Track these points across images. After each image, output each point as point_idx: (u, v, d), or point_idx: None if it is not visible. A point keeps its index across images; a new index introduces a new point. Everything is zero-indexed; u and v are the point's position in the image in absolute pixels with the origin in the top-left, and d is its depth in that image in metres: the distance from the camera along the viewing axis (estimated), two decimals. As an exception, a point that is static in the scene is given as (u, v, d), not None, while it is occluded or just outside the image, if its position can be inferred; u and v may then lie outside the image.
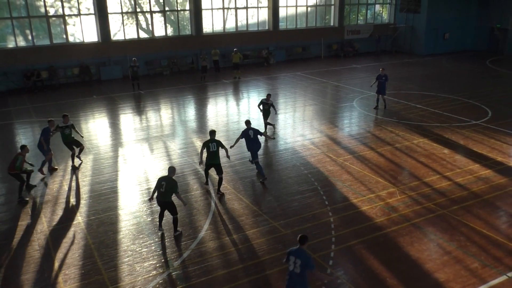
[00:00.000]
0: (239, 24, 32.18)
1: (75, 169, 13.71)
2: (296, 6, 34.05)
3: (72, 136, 13.94)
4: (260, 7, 32.71)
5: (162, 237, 9.90)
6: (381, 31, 36.88)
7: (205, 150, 11.73)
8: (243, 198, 11.69)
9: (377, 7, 38.36)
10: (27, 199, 11.80)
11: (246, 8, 32.04)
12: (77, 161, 14.11)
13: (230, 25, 32.04)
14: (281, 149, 15.37)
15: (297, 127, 17.79)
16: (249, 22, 32.50)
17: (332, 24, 36.06)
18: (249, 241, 9.71)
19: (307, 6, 34.53)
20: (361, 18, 37.59)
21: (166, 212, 10.06)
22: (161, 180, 9.82)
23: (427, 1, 34.75)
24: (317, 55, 35.15)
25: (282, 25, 33.78)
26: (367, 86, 25.00)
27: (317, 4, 35.21)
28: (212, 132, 11.78)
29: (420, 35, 36.02)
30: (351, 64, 32.07)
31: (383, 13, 38.81)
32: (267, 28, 33.24)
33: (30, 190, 12.27)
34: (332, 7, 35.69)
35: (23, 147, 12.08)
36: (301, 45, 34.53)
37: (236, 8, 31.64)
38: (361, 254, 9.19)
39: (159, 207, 10.20)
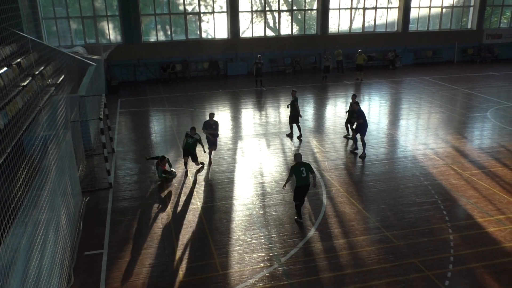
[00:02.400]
0: (366, 24, 31.39)
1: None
2: (430, 7, 32.10)
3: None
4: (390, 8, 31.47)
5: (271, 232, 10.13)
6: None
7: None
8: (355, 202, 11.42)
9: (526, 8, 34.42)
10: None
11: (375, 8, 31.09)
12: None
13: (357, 25, 31.39)
14: (400, 156, 14.67)
15: (419, 135, 16.81)
16: (377, 23, 31.51)
17: (469, 26, 33.30)
18: (358, 247, 9.47)
19: (442, 7, 32.35)
20: (504, 21, 34.09)
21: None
22: (299, 166, 10.20)
23: None
24: (449, 59, 32.77)
25: (412, 27, 32.13)
26: (506, 95, 22.70)
27: (454, 5, 32.75)
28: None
29: None
30: (488, 71, 29.26)
31: (533, 15, 34.70)
32: (395, 29, 31.90)
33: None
34: (471, 8, 32.92)
35: (163, 158, 12.75)
36: (432, 49, 32.49)
37: (364, 8, 30.89)
38: (484, 280, 8.38)
39: (294, 201, 10.47)
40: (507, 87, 24.64)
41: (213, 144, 14.06)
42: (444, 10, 32.59)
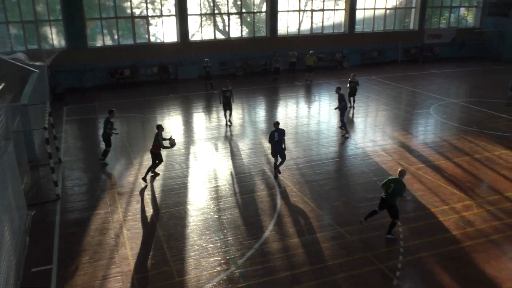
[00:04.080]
0: (314, 26, 32.02)
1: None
2: (374, 9, 33.20)
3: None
4: (337, 10, 32.28)
5: (227, 235, 10.10)
6: (465, 36, 34.89)
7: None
8: (308, 201, 11.60)
9: (462, 10, 36.32)
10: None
11: (323, 10, 31.78)
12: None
13: (305, 27, 31.96)
14: (350, 154, 15.07)
15: (368, 133, 17.34)
16: (324, 24, 32.22)
17: (411, 27, 34.74)
18: (313, 245, 9.63)
19: (385, 9, 33.55)
20: (443, 21, 35.82)
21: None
22: (390, 181, 9.73)
23: (519, 4, 32.34)
24: (393, 59, 34.02)
25: (358, 28, 33.11)
26: (446, 92, 23.86)
27: (397, 6, 34.08)
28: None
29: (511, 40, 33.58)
30: (430, 69, 30.66)
31: (468, 16, 36.67)
32: (342, 30, 32.74)
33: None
34: (413, 10, 34.37)
35: (159, 126, 12.81)
36: (377, 49, 33.60)
37: (312, 10, 31.50)
38: (432, 268, 8.76)
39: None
40: (447, 85, 25.92)
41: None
42: (387, 11, 33.81)
